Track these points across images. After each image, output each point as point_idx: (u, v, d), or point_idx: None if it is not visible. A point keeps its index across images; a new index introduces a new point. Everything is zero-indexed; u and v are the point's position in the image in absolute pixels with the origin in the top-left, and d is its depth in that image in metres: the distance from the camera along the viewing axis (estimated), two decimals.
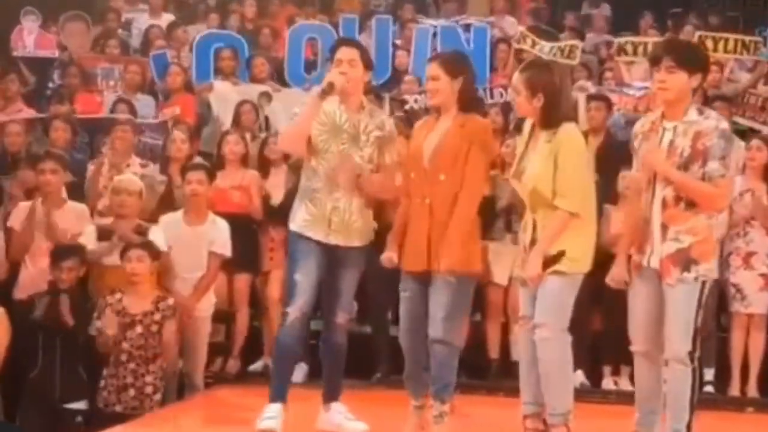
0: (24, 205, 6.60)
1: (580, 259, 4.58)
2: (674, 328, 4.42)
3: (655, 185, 4.47)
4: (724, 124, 4.46)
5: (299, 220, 4.94)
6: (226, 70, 9.27)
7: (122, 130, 7.54)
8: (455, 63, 4.86)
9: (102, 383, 5.86)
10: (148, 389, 5.84)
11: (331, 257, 4.93)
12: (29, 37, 10.25)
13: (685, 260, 4.39)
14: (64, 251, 6.17)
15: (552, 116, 4.59)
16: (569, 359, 4.63)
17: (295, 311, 4.86)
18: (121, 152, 7.40)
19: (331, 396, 5.09)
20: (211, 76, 9.47)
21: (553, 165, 4.52)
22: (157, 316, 5.93)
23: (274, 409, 4.84)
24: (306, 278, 4.85)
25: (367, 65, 5.05)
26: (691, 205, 4.40)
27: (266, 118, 8.73)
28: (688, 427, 4.45)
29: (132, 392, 5.82)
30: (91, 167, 7.35)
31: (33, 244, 6.44)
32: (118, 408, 5.80)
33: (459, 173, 4.68)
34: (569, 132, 4.60)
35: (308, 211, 4.92)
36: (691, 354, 4.42)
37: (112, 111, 8.29)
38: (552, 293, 4.55)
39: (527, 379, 4.72)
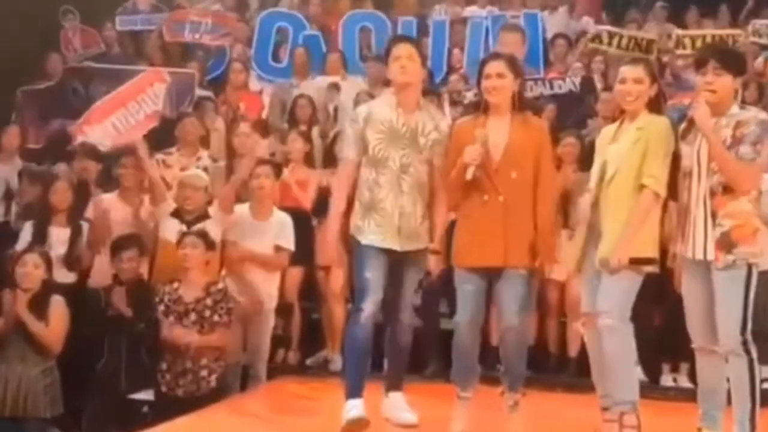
0: (100, 199, 6.72)
1: (648, 256, 4.64)
2: (724, 318, 4.50)
3: (699, 176, 4.57)
4: (764, 116, 4.62)
5: (370, 234, 4.92)
6: (299, 69, 9.38)
7: (191, 123, 7.58)
8: (518, 63, 4.96)
9: (164, 366, 6.00)
10: (204, 372, 5.98)
11: (398, 259, 4.96)
12: (75, 39, 10.51)
13: (727, 243, 4.51)
14: (123, 242, 6.30)
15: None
16: (633, 348, 4.67)
17: (369, 307, 4.83)
18: (189, 145, 7.49)
19: (390, 386, 5.17)
20: (269, 55, 9.77)
21: (642, 151, 4.61)
22: (209, 301, 6.06)
23: (356, 403, 4.84)
24: (375, 274, 4.86)
25: (424, 61, 5.08)
26: (730, 189, 4.54)
27: (335, 109, 8.81)
28: (752, 419, 4.49)
29: (189, 377, 5.96)
30: (157, 157, 7.42)
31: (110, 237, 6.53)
32: (179, 392, 5.94)
33: (528, 171, 4.77)
34: (665, 123, 4.71)
35: (377, 224, 4.92)
36: (744, 344, 4.48)
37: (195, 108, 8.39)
38: (618, 284, 4.61)
39: (600, 373, 4.78)
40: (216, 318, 6.04)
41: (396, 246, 4.91)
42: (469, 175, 4.70)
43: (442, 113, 5.35)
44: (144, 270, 6.43)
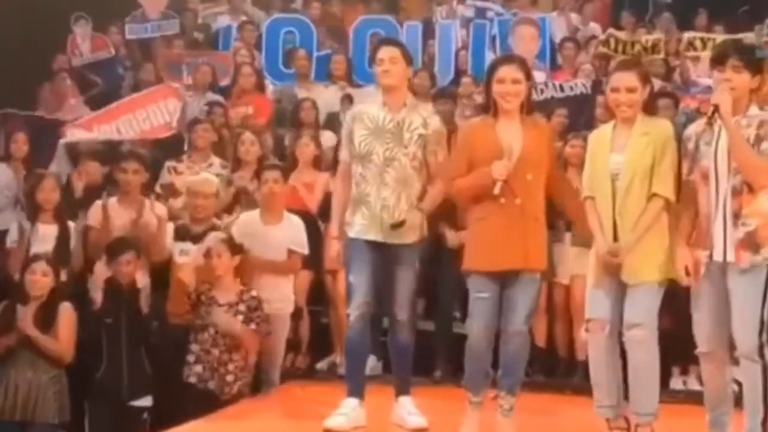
0: (100, 204, 6.64)
1: (670, 266, 4.64)
2: (741, 322, 4.43)
3: (717, 178, 4.49)
4: None
5: (357, 225, 5.07)
6: (301, 71, 9.41)
7: (203, 129, 7.58)
8: (528, 66, 5.01)
9: (192, 358, 5.98)
10: (229, 378, 5.97)
11: (386, 255, 5.05)
12: (84, 44, 10.50)
13: (753, 243, 4.42)
14: (119, 245, 6.25)
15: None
16: (658, 357, 4.70)
17: (354, 311, 5.02)
18: (201, 152, 7.49)
19: (399, 390, 5.22)
20: (279, 61, 9.80)
21: (652, 158, 4.60)
22: (242, 307, 6.06)
23: (349, 404, 5.00)
24: (359, 278, 5.00)
25: (409, 62, 5.18)
26: (752, 187, 4.45)
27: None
28: (764, 425, 4.43)
29: (215, 378, 5.96)
30: (167, 165, 7.45)
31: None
32: (211, 384, 5.95)
33: (540, 173, 4.81)
34: (669, 128, 4.72)
35: (363, 216, 5.05)
36: (760, 349, 4.41)
37: (207, 113, 8.38)
38: (649, 296, 4.63)
39: (607, 382, 4.74)
40: (254, 326, 6.05)
41: (379, 238, 5.01)
42: (497, 191, 4.71)
43: (431, 110, 5.37)
44: (140, 275, 6.36)
